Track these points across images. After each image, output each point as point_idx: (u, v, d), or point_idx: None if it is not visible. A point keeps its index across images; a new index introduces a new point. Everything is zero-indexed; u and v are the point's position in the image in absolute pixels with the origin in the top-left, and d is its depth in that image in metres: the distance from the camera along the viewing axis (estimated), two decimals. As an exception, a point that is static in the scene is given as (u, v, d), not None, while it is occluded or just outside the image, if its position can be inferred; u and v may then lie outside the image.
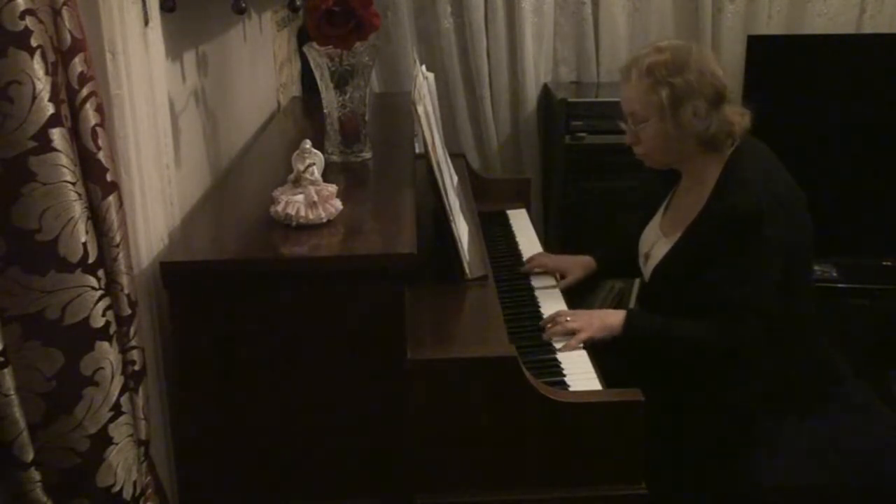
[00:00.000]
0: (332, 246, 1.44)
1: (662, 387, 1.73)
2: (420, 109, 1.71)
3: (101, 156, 1.06)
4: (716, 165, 1.82)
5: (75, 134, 1.03)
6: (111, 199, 1.08)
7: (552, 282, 2.08)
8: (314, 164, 1.50)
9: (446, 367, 1.45)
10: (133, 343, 1.15)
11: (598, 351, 1.76)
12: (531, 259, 2.15)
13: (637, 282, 2.99)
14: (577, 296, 2.13)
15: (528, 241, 2.32)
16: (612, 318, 1.82)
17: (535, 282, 2.07)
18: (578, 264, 2.15)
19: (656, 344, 1.82)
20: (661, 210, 2.01)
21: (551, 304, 1.96)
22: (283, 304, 1.38)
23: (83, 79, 1.04)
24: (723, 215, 1.75)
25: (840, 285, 2.96)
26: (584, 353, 1.73)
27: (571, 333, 1.77)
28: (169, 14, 1.46)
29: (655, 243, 1.95)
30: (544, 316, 1.90)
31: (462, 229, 1.86)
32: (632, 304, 3.06)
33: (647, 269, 1.96)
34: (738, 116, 1.80)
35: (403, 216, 1.56)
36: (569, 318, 1.80)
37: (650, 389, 1.50)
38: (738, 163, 1.81)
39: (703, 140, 1.79)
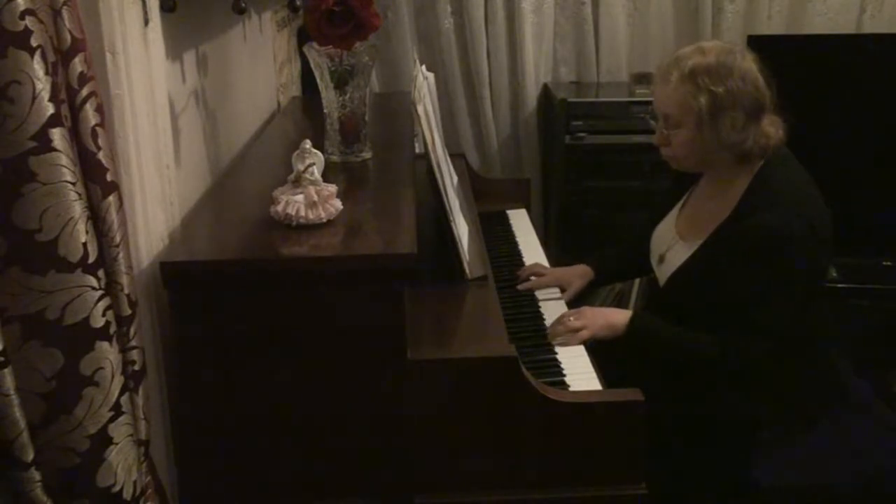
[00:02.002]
0: (332, 246, 1.44)
1: (664, 387, 1.73)
2: (420, 109, 1.71)
3: (101, 156, 1.06)
4: (745, 175, 1.77)
5: (75, 134, 1.03)
6: (111, 199, 1.08)
7: (556, 293, 2.03)
8: (314, 164, 1.50)
9: (446, 367, 1.45)
10: (133, 343, 1.15)
11: (600, 351, 1.76)
12: (529, 283, 2.06)
13: (637, 282, 3.00)
14: (576, 296, 2.12)
15: (528, 242, 2.32)
16: (616, 318, 1.80)
17: (538, 292, 2.03)
18: (576, 275, 2.10)
19: (658, 349, 1.81)
20: (677, 209, 1.97)
21: (552, 304, 1.96)
22: (283, 304, 1.38)
23: (83, 79, 1.04)
24: (751, 234, 1.69)
25: (840, 285, 2.95)
26: (584, 353, 1.73)
27: (575, 331, 1.76)
28: (169, 14, 1.46)
29: (672, 247, 1.91)
30: (545, 316, 1.90)
31: (462, 229, 1.86)
32: (632, 302, 3.07)
33: (662, 273, 1.93)
34: (773, 129, 1.74)
35: (403, 216, 1.56)
36: (572, 317, 1.80)
37: (651, 389, 1.50)
38: (770, 176, 1.76)
39: (737, 152, 1.74)
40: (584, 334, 1.75)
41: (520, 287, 2.04)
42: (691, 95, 1.71)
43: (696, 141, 1.74)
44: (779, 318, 1.70)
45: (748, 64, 1.73)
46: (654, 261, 2.00)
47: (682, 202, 1.97)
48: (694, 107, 1.71)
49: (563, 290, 2.06)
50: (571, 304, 2.02)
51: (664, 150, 1.83)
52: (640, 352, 1.85)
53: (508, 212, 2.51)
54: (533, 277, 2.07)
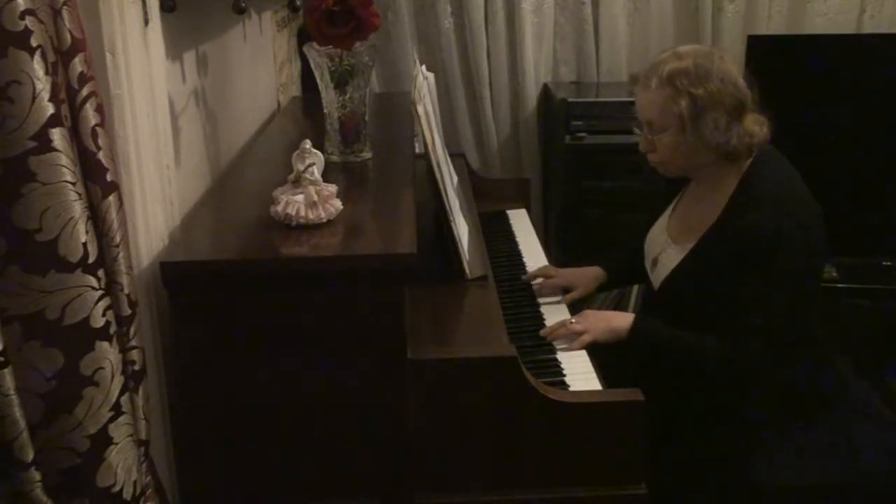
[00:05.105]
0: (332, 246, 1.44)
1: (664, 387, 1.73)
2: (420, 109, 1.71)
3: (101, 156, 1.06)
4: (733, 176, 1.78)
5: (75, 134, 1.03)
6: (111, 199, 1.08)
7: (557, 296, 2.01)
8: (314, 164, 1.50)
9: (446, 367, 1.45)
10: (133, 343, 1.15)
11: (599, 350, 1.76)
12: (539, 281, 2.04)
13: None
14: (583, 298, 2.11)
15: (528, 242, 2.32)
16: (619, 323, 1.79)
17: (540, 295, 2.01)
18: (588, 277, 2.08)
19: (659, 353, 1.81)
20: (668, 212, 1.98)
21: (552, 304, 1.96)
22: (283, 304, 1.38)
23: (83, 79, 1.04)
24: (740, 235, 1.70)
25: (840, 285, 2.96)
26: (584, 352, 1.73)
27: (576, 335, 1.76)
28: (169, 14, 1.46)
29: (664, 250, 1.91)
30: (545, 316, 1.90)
31: (462, 229, 1.86)
32: (631, 304, 3.07)
33: (656, 276, 1.93)
34: (757, 127, 1.75)
35: (403, 216, 1.56)
36: (573, 321, 1.79)
37: (651, 389, 1.50)
38: (757, 176, 1.76)
39: (722, 152, 1.74)
40: (586, 338, 1.75)
41: (530, 281, 2.04)
42: (672, 99, 1.72)
43: (681, 144, 1.75)
44: (774, 319, 1.70)
45: (726, 65, 1.75)
46: (647, 264, 1.99)
47: (672, 205, 1.98)
48: (675, 110, 1.72)
49: (569, 291, 2.04)
50: (575, 305, 2.01)
51: (651, 157, 1.84)
52: (642, 354, 1.84)
53: (508, 212, 2.51)
54: (540, 279, 2.06)
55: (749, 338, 1.70)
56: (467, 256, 1.81)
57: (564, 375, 1.65)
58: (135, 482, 1.11)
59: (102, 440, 1.05)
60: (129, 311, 1.13)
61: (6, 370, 0.92)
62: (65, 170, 0.96)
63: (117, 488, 1.07)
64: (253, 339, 1.39)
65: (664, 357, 1.80)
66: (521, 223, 2.46)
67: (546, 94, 3.33)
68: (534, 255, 2.23)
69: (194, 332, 1.39)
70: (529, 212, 2.56)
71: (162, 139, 1.40)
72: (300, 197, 1.46)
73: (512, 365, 1.45)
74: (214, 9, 1.83)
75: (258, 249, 1.43)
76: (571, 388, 1.59)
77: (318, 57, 1.79)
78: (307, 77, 2.82)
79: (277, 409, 1.43)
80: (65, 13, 1.00)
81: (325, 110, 1.86)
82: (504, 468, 1.50)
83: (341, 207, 1.51)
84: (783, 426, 1.80)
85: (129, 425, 1.10)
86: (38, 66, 0.93)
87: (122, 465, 1.08)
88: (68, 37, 1.01)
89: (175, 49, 1.59)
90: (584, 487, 1.50)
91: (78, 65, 1.03)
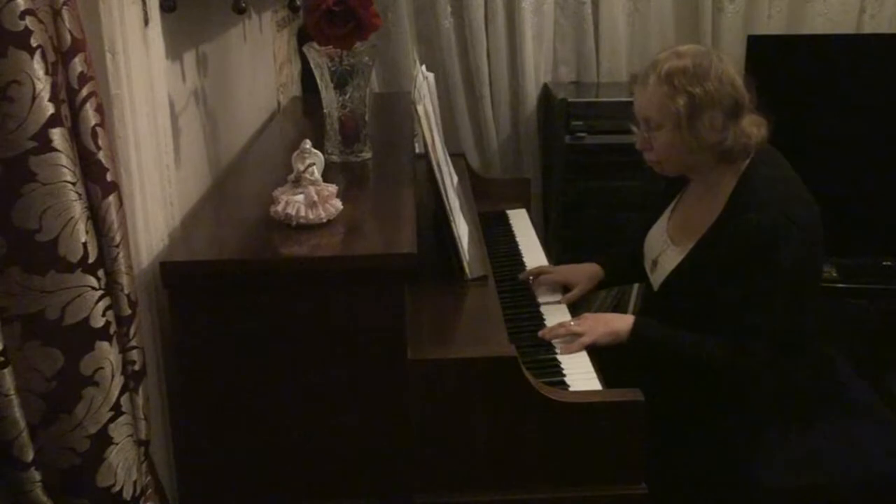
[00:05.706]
0: (332, 246, 1.44)
1: (664, 388, 1.72)
2: (420, 109, 1.71)
3: (101, 156, 1.06)
4: (730, 176, 1.78)
5: (75, 134, 1.03)
6: (111, 199, 1.08)
7: (556, 296, 2.00)
8: (314, 164, 1.50)
9: (446, 367, 1.45)
10: (133, 343, 1.15)
11: (600, 351, 1.76)
12: (536, 279, 2.04)
13: (637, 284, 2.99)
14: (581, 297, 2.10)
15: (529, 242, 2.31)
16: (619, 325, 1.79)
17: (539, 295, 2.01)
18: (585, 274, 2.08)
19: (662, 355, 1.80)
20: (668, 213, 1.98)
21: (552, 306, 1.96)
22: (283, 304, 1.38)
23: (83, 79, 1.04)
24: (738, 236, 1.70)
25: (840, 285, 2.96)
26: (584, 352, 1.73)
27: (575, 336, 1.76)
28: (169, 14, 1.46)
29: (664, 251, 1.91)
30: (544, 316, 1.89)
31: (462, 229, 1.86)
32: (631, 305, 3.07)
33: (655, 278, 1.93)
34: (755, 128, 1.74)
35: (403, 216, 1.56)
36: (573, 322, 1.79)
37: (652, 390, 1.50)
38: (754, 177, 1.76)
39: (718, 152, 1.74)
40: (586, 340, 1.74)
41: (526, 279, 2.03)
42: (669, 97, 1.72)
43: (677, 142, 1.75)
44: (774, 319, 1.70)
45: (724, 65, 1.75)
46: (647, 266, 1.99)
47: (672, 206, 1.98)
48: (672, 108, 1.72)
49: (567, 288, 2.04)
50: (575, 305, 2.01)
51: (647, 155, 1.84)
52: (642, 355, 1.84)
53: (508, 212, 2.51)
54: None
55: (750, 338, 1.70)
56: (467, 256, 1.81)
57: (564, 375, 1.65)
58: (135, 482, 1.11)
59: (102, 440, 1.05)
60: (129, 311, 1.13)
61: (6, 370, 0.92)
62: (65, 170, 0.97)
63: (117, 488, 1.07)
64: (253, 338, 1.39)
65: (667, 358, 1.80)
66: (521, 223, 2.45)
67: (546, 94, 3.33)
68: (534, 255, 2.23)
69: (194, 332, 1.39)
70: (529, 212, 2.56)
71: (162, 139, 1.40)
72: (300, 197, 1.46)
73: (512, 365, 1.45)
74: (214, 9, 1.83)
75: (258, 249, 1.43)
76: (571, 388, 1.59)
77: (318, 57, 1.79)
78: (307, 77, 2.82)
79: (277, 408, 1.43)
80: (65, 13, 1.00)
81: (325, 110, 1.86)
82: (504, 468, 1.50)
83: (341, 207, 1.51)
84: (783, 426, 1.80)
85: (129, 425, 1.10)
86: (38, 66, 0.93)
87: (122, 465, 1.08)
88: (68, 37, 1.01)
89: (175, 49, 1.59)
90: (584, 487, 1.50)
91: (78, 65, 1.03)
